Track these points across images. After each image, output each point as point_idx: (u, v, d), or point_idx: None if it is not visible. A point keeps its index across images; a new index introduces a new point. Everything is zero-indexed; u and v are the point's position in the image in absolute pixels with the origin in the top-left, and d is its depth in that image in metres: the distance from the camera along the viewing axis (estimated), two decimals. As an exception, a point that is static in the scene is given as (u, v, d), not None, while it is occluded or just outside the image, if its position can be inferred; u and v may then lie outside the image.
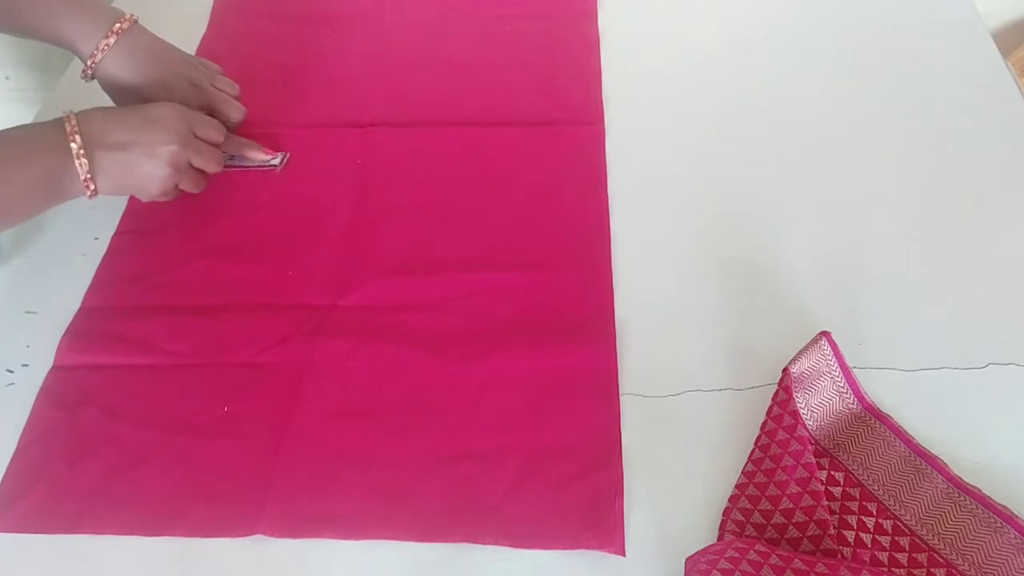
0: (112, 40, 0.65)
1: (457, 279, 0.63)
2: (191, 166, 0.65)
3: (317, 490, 0.53)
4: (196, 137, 0.64)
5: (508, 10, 0.84)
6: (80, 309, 0.63)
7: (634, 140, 0.73)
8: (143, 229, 0.68)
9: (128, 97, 0.67)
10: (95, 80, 0.67)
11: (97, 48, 0.64)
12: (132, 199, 0.70)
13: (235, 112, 0.72)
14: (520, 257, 0.64)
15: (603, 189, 0.69)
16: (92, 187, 0.59)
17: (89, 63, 0.65)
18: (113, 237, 0.68)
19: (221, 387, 0.58)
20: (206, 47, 0.83)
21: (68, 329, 0.62)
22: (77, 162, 0.58)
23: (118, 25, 0.65)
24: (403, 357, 0.59)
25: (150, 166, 0.61)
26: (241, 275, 0.65)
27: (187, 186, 0.66)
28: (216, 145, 0.67)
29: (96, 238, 0.68)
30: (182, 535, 0.52)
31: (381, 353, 0.59)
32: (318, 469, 0.54)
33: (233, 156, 0.72)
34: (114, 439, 0.56)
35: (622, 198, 0.68)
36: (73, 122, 0.58)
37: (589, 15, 0.84)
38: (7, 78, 1.08)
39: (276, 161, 0.72)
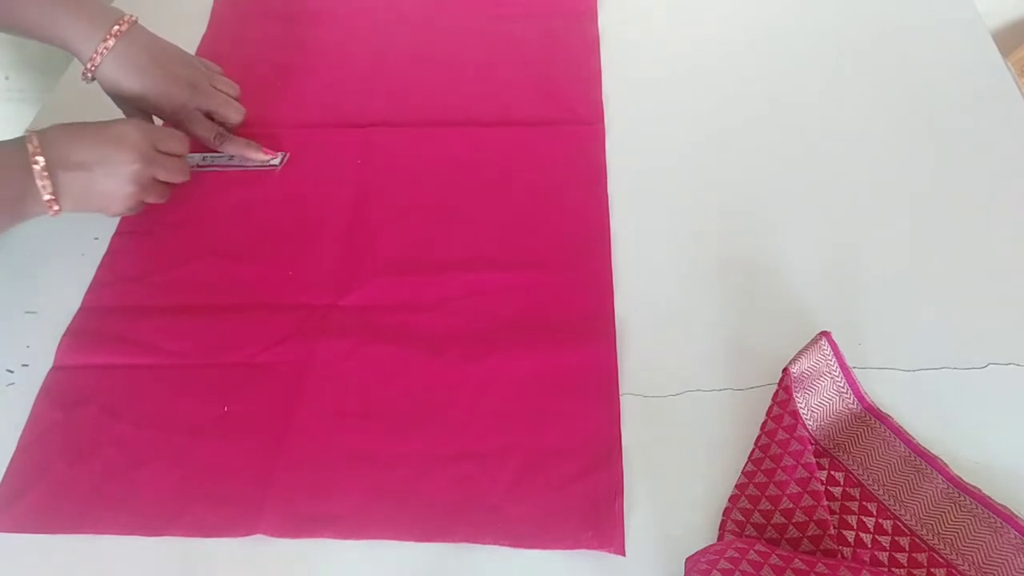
0: (111, 42, 0.64)
1: (457, 279, 0.63)
2: (156, 180, 0.64)
3: (317, 490, 0.53)
4: (159, 152, 0.64)
5: (508, 10, 0.84)
6: (80, 309, 0.63)
7: (634, 140, 0.73)
8: (143, 229, 0.68)
9: (128, 99, 0.67)
10: (95, 81, 0.67)
11: (96, 51, 0.64)
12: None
13: (235, 113, 0.72)
14: (520, 257, 0.64)
15: (603, 189, 0.69)
16: (56, 207, 0.59)
17: (89, 65, 0.65)
18: (113, 237, 0.68)
19: (221, 387, 0.58)
20: (206, 47, 0.83)
21: (68, 329, 0.62)
22: (40, 183, 0.57)
23: (117, 27, 0.65)
24: (403, 357, 0.59)
25: (113, 185, 0.61)
26: (241, 275, 0.65)
27: (153, 199, 0.65)
28: (179, 157, 0.66)
29: (96, 238, 0.68)
30: (182, 535, 0.52)
31: (381, 353, 0.59)
32: (318, 469, 0.54)
33: (233, 156, 0.72)
34: (114, 439, 0.56)
35: (622, 198, 0.68)
36: (35, 142, 0.57)
37: (589, 15, 0.84)
38: (7, 78, 1.07)
39: (276, 161, 0.72)
